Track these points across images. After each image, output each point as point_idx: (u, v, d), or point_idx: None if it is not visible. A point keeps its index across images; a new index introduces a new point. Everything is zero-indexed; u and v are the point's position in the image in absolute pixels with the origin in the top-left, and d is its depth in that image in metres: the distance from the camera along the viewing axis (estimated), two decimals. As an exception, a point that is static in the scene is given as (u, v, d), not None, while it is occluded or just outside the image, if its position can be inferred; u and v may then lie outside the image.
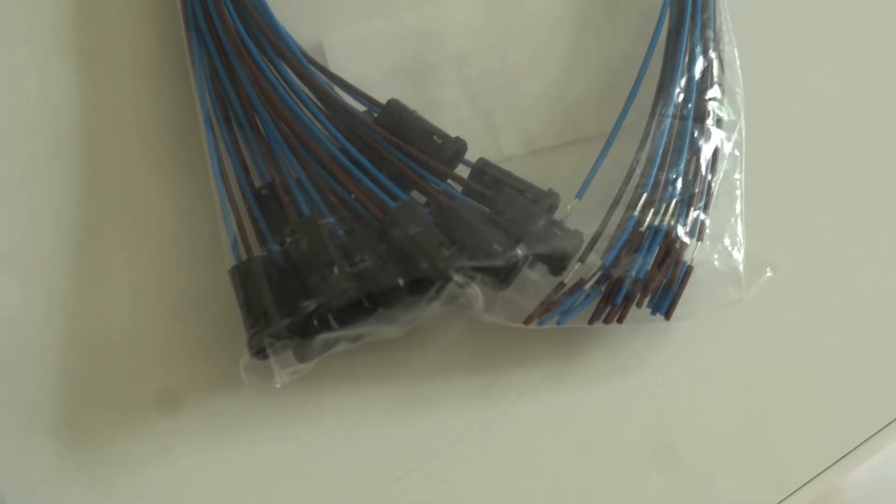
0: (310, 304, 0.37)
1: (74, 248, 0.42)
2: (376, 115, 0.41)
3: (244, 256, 0.39)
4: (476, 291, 0.38)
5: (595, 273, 0.39)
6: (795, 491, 0.41)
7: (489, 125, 0.44)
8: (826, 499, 0.42)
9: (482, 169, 0.41)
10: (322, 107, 0.42)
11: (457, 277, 0.37)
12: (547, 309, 0.39)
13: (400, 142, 0.40)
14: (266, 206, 0.40)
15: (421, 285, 0.38)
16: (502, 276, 0.38)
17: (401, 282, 0.37)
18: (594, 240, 0.40)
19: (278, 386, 0.38)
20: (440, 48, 0.46)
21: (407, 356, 0.41)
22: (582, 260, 0.40)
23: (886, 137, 0.46)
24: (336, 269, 0.37)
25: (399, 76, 0.45)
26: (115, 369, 0.41)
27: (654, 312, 0.40)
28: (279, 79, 0.42)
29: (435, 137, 0.41)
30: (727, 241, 0.41)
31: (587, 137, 0.44)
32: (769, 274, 0.41)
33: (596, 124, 0.44)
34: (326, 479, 0.40)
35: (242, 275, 0.38)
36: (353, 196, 0.40)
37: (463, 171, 0.41)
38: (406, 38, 0.46)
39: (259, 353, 0.38)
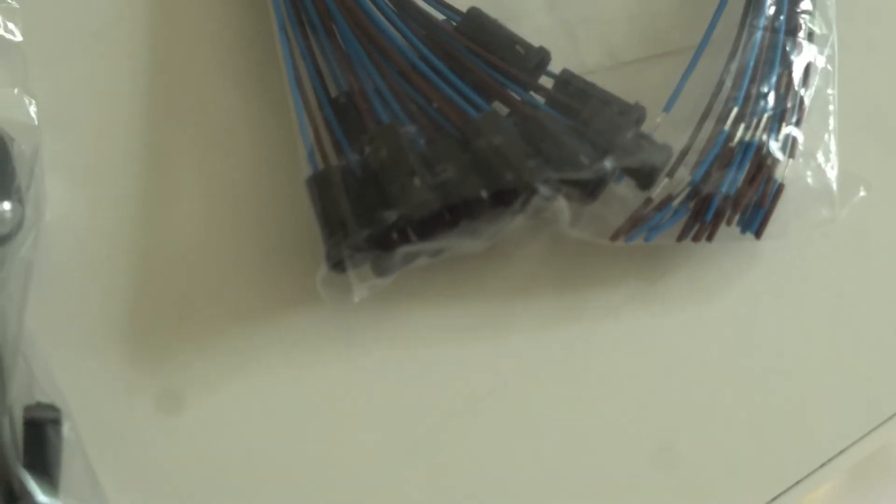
0: (390, 215, 0.35)
1: (145, 160, 0.41)
2: (456, 23, 0.40)
3: (321, 166, 0.38)
4: (562, 205, 0.37)
5: (684, 188, 0.38)
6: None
7: (571, 37, 0.43)
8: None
9: (566, 80, 0.39)
10: (400, 13, 0.40)
11: (543, 189, 0.36)
12: (634, 224, 0.38)
13: (482, 50, 0.39)
14: (343, 115, 0.38)
15: (505, 197, 0.36)
16: (589, 189, 0.37)
17: (484, 193, 0.36)
18: (683, 154, 0.39)
19: (356, 300, 0.37)
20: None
21: (487, 272, 0.40)
22: (670, 175, 0.38)
23: None
24: (417, 180, 0.36)
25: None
26: (187, 283, 0.39)
27: (743, 231, 0.39)
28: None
29: (518, 47, 0.39)
30: (820, 158, 0.39)
31: (673, 51, 0.42)
32: (863, 193, 0.39)
33: (682, 37, 0.42)
34: (402, 398, 0.39)
35: (319, 185, 0.37)
36: (433, 105, 0.38)
37: (546, 82, 0.40)
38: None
39: (337, 265, 0.36)
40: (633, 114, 0.39)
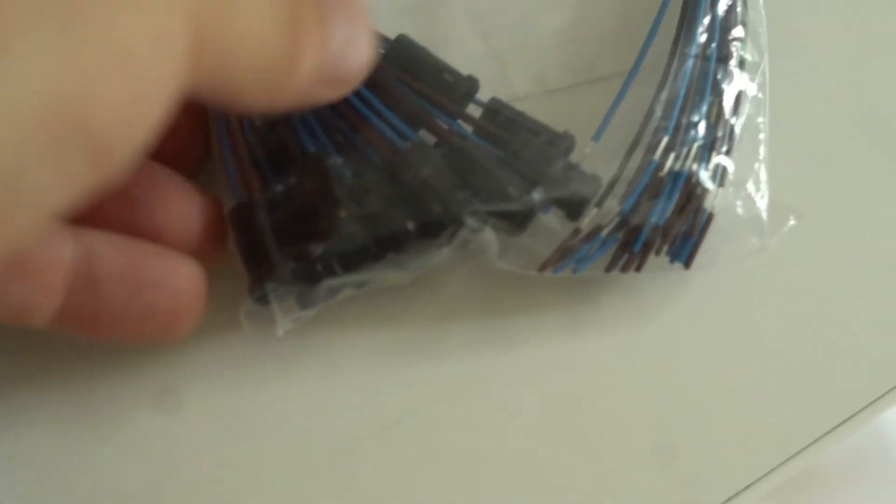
0: (315, 249, 0.35)
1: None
2: (384, 50, 0.39)
3: (244, 196, 0.37)
4: (490, 237, 0.36)
5: (613, 219, 0.38)
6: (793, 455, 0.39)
7: (500, 64, 0.42)
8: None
9: (495, 109, 0.39)
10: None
11: (470, 222, 0.35)
12: (563, 256, 0.38)
13: (410, 79, 0.38)
14: (269, 145, 0.38)
15: (432, 230, 0.36)
16: (517, 221, 0.37)
17: (410, 226, 0.35)
18: (612, 184, 0.38)
19: (280, 333, 0.36)
20: (450, -20, 0.43)
21: (412, 304, 0.39)
22: (599, 205, 0.38)
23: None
24: (343, 212, 0.35)
25: (407, 10, 0.43)
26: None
27: (672, 261, 0.38)
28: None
29: (446, 75, 0.39)
30: (750, 188, 0.39)
31: (603, 77, 0.42)
32: (793, 222, 0.39)
33: (612, 64, 0.42)
34: (322, 427, 0.38)
35: (242, 217, 0.36)
36: (360, 136, 0.37)
37: (474, 110, 0.39)
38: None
39: (261, 299, 0.36)
40: (561, 143, 0.38)
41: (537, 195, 0.36)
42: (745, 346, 0.40)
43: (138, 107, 0.23)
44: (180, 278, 0.34)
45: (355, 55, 0.30)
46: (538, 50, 0.43)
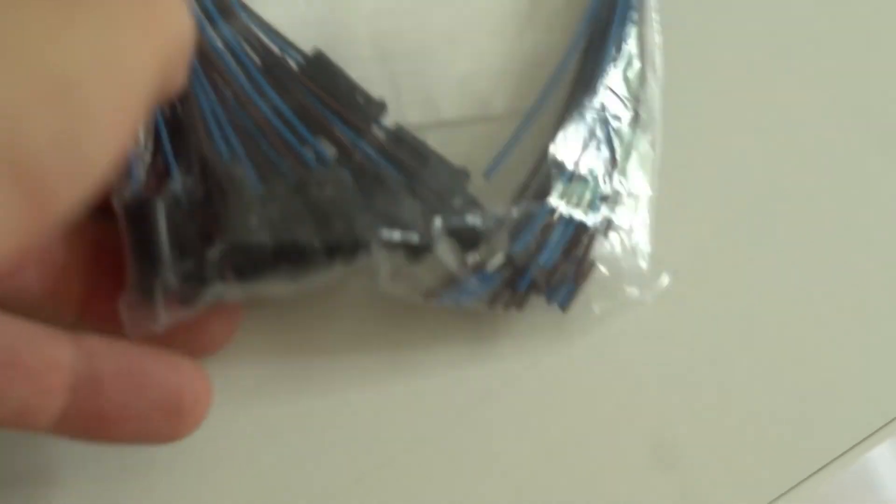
0: (213, 253, 0.35)
1: None
2: (298, 63, 0.39)
3: (143, 186, 0.36)
4: (384, 261, 0.37)
5: (500, 257, 0.38)
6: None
7: (395, 88, 0.43)
8: None
9: (400, 136, 0.39)
10: (248, 50, 0.40)
11: (373, 246, 0.36)
12: (449, 286, 0.38)
13: (325, 95, 0.38)
14: (176, 133, 0.37)
15: (332, 248, 0.36)
16: (416, 251, 0.37)
17: (316, 242, 0.35)
18: (501, 222, 0.39)
19: (160, 328, 0.36)
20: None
21: (295, 320, 0.40)
22: (493, 243, 0.39)
23: (803, 145, 0.47)
24: (253, 218, 0.35)
25: (310, 23, 0.43)
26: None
27: (551, 303, 0.39)
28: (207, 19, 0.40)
29: (358, 96, 0.39)
30: (634, 241, 0.41)
31: (498, 115, 0.43)
32: (666, 281, 0.41)
33: (506, 105, 0.43)
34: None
35: (137, 212, 0.35)
36: (271, 148, 0.38)
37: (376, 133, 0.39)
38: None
39: (145, 293, 0.35)
40: (457, 177, 0.39)
41: (437, 225, 0.36)
42: (615, 397, 0.41)
43: (80, 141, 0.21)
44: (183, 375, 0.34)
45: None
46: (435, 80, 0.44)
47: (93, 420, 0.33)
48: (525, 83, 0.43)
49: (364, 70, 0.42)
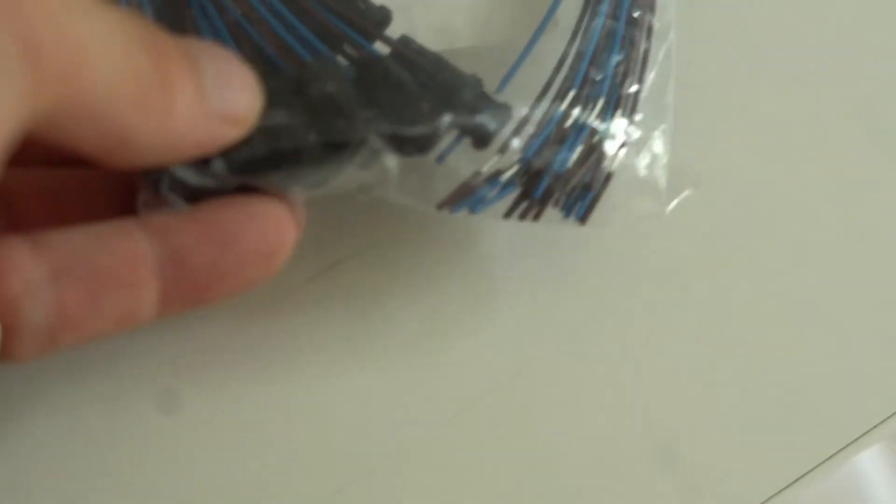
0: (217, 162, 0.33)
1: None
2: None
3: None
4: (391, 161, 0.35)
5: (514, 164, 0.37)
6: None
7: (408, 21, 0.42)
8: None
9: (406, 44, 0.38)
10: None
11: (373, 141, 0.34)
12: (462, 195, 0.37)
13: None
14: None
15: (334, 146, 0.35)
16: (422, 143, 0.36)
17: (313, 138, 0.34)
18: (518, 128, 0.38)
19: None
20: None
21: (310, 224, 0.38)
22: (503, 150, 0.37)
23: (825, 62, 0.46)
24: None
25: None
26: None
27: (568, 214, 0.38)
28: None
29: (359, 2, 0.38)
30: (652, 150, 0.39)
31: (513, 38, 0.42)
32: (688, 192, 0.39)
33: (518, 30, 0.42)
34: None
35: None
36: (270, 46, 0.36)
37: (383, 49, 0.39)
38: None
39: (155, 186, 0.34)
40: (470, 84, 0.37)
41: (447, 119, 0.35)
42: (631, 321, 0.40)
43: None
44: (256, 216, 0.33)
45: (237, 89, 0.30)
46: (447, 9, 0.43)
47: (189, 292, 0.32)
48: (541, 5, 0.41)
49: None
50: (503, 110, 0.37)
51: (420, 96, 0.35)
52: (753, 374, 0.41)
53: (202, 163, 0.33)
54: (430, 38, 0.41)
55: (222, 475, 0.37)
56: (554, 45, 0.40)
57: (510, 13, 0.43)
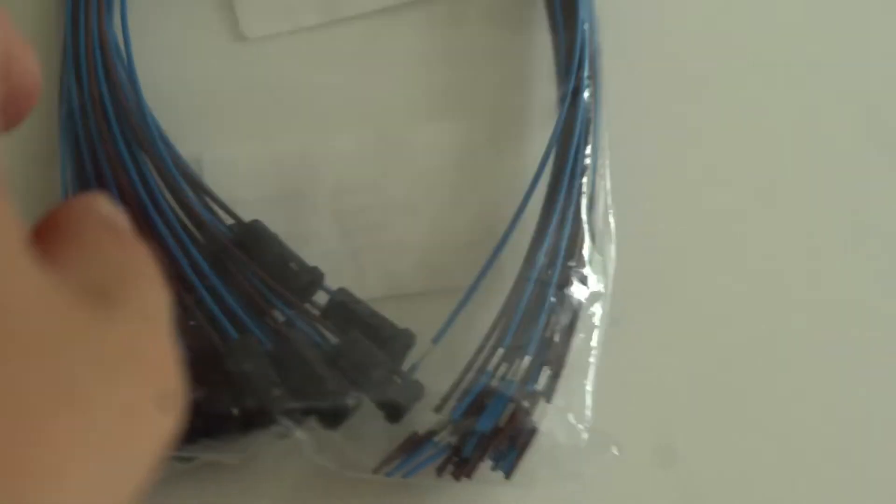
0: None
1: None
2: (233, 233, 0.41)
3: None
4: (302, 435, 0.37)
5: (446, 426, 0.38)
6: None
7: (357, 263, 0.44)
8: None
9: (341, 299, 0.40)
10: (186, 222, 0.41)
11: (283, 420, 0.37)
12: (398, 458, 0.38)
13: (253, 265, 0.40)
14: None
15: (249, 420, 0.37)
16: (332, 418, 0.38)
17: (234, 412, 0.37)
18: (447, 396, 0.39)
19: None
20: (318, 178, 0.45)
21: (243, 487, 0.40)
22: (437, 410, 0.39)
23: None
24: None
25: (274, 200, 0.44)
26: None
27: (495, 468, 0.39)
28: (144, 185, 0.42)
29: (292, 264, 0.40)
30: (574, 414, 0.40)
31: (455, 288, 0.42)
32: (614, 452, 0.40)
33: (465, 275, 0.43)
34: None
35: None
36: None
37: (323, 297, 0.41)
38: (286, 162, 0.45)
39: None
40: (400, 340, 0.40)
41: (352, 399, 0.37)
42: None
43: None
44: None
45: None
46: (395, 254, 0.44)
47: None
48: (484, 253, 0.43)
49: (326, 245, 0.44)
50: (414, 387, 0.38)
51: (328, 375, 0.37)
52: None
53: None
54: (377, 282, 0.43)
55: None
56: (490, 303, 0.41)
57: (454, 262, 0.44)
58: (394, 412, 0.38)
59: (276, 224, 0.41)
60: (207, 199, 0.42)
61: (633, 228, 0.44)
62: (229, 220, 0.42)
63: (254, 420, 0.37)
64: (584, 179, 0.43)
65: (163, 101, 0.45)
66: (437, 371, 0.40)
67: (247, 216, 0.42)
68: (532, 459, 0.39)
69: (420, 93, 0.48)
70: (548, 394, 0.40)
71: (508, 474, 0.39)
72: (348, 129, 0.47)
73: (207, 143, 0.46)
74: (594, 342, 0.41)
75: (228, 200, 0.42)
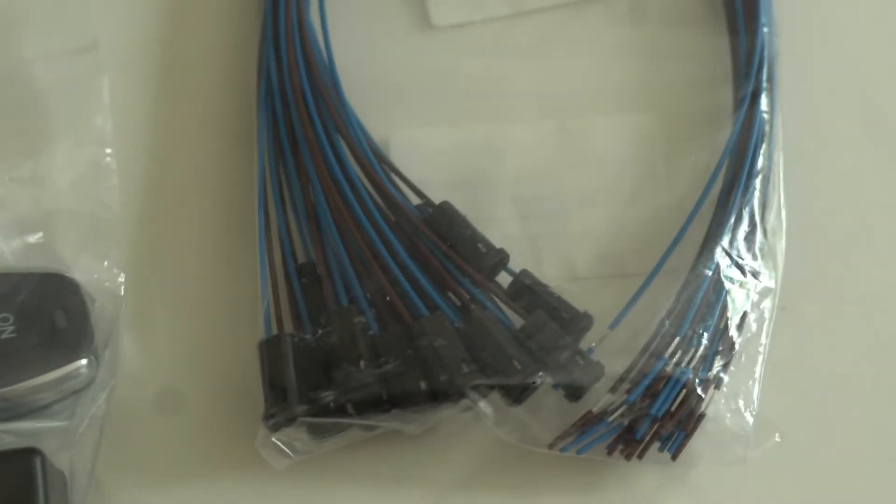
0: (328, 396, 0.38)
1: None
2: (426, 214, 0.43)
3: (275, 332, 0.41)
4: (486, 408, 0.39)
5: (620, 406, 0.40)
6: None
7: (535, 248, 0.46)
8: None
9: (523, 281, 0.42)
10: (379, 201, 0.44)
11: (471, 394, 0.39)
12: (571, 435, 0.40)
13: (444, 245, 0.42)
14: (308, 288, 0.42)
15: (437, 394, 0.39)
16: (516, 394, 0.39)
17: (423, 387, 0.39)
18: (623, 378, 0.41)
19: (292, 461, 0.39)
20: (500, 164, 0.47)
21: (422, 457, 0.42)
22: (612, 391, 0.40)
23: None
24: (362, 365, 0.39)
25: (456, 184, 0.46)
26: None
27: (661, 449, 0.41)
28: (340, 166, 0.44)
29: (480, 245, 0.42)
30: (741, 401, 0.41)
31: (629, 274, 0.44)
32: (777, 440, 0.41)
33: (639, 264, 0.44)
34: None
35: (270, 350, 0.40)
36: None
37: (505, 278, 0.43)
38: (469, 148, 0.48)
39: (275, 427, 0.39)
40: (579, 322, 0.41)
41: (539, 379, 0.39)
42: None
43: None
44: None
45: None
46: (571, 241, 0.46)
47: None
48: (658, 245, 0.44)
49: (505, 230, 0.46)
50: (595, 368, 0.40)
51: (516, 354, 0.39)
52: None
53: (321, 396, 0.38)
54: (553, 267, 0.45)
55: None
56: (666, 292, 0.43)
57: (630, 250, 0.46)
58: (574, 392, 0.40)
59: (459, 205, 0.43)
60: (397, 180, 0.45)
61: (802, 223, 0.46)
62: (416, 201, 0.44)
63: (442, 394, 0.39)
64: (759, 178, 0.45)
65: (353, 85, 0.47)
66: (611, 354, 0.41)
67: (431, 197, 0.44)
68: (697, 442, 0.40)
69: (600, 86, 0.50)
70: (718, 381, 0.41)
71: (675, 456, 0.41)
72: (530, 119, 0.49)
73: (393, 126, 0.48)
74: (764, 333, 0.43)
75: (413, 181, 0.44)
